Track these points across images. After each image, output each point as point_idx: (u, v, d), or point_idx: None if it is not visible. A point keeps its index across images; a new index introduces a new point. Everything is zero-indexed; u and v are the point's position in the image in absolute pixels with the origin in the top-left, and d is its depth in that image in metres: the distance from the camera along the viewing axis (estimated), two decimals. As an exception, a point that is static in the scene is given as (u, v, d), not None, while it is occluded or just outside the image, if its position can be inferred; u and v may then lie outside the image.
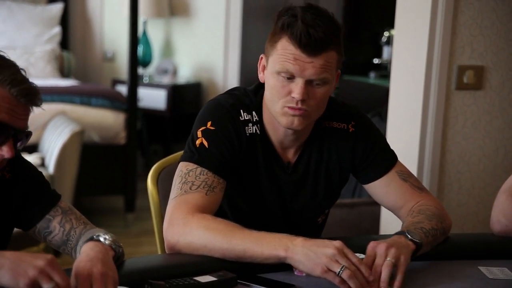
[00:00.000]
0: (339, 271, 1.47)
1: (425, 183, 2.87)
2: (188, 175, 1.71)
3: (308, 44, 1.66)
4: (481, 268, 1.69)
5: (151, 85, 5.73)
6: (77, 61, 5.97)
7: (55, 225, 1.62)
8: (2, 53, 1.51)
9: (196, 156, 1.73)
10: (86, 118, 4.57)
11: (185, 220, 1.63)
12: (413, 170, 2.71)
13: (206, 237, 1.60)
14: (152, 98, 5.66)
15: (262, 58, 1.79)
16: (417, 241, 1.63)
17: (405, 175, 1.87)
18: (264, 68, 1.78)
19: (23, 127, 1.51)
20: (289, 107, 1.71)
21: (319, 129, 1.85)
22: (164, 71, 5.91)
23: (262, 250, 1.56)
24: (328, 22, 1.68)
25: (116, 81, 5.82)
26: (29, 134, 1.54)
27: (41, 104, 1.52)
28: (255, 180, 1.82)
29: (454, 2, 2.80)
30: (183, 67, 5.99)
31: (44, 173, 1.72)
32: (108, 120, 4.67)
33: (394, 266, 1.53)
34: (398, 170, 1.87)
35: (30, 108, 1.52)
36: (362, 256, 1.56)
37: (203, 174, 1.71)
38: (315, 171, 1.86)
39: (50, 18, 5.69)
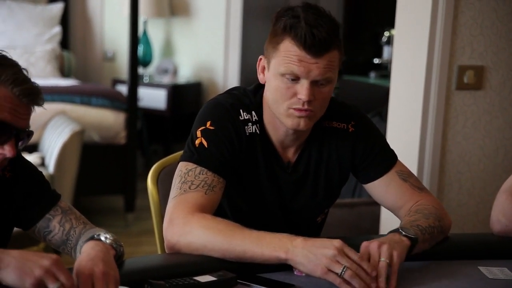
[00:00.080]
0: (341, 272, 1.47)
1: (425, 183, 2.87)
2: (188, 175, 1.71)
3: (313, 45, 1.65)
4: (481, 268, 1.69)
5: (151, 85, 5.73)
6: (77, 61, 5.97)
7: (55, 225, 1.63)
8: (4, 53, 1.52)
9: (196, 156, 1.73)
10: (86, 117, 4.57)
11: (185, 219, 1.63)
12: (413, 170, 2.70)
13: (206, 237, 1.60)
14: (152, 98, 5.66)
15: (261, 59, 1.78)
16: (412, 236, 1.63)
17: (405, 175, 1.87)
18: (263, 69, 1.77)
19: (25, 126, 1.51)
20: (294, 109, 1.70)
21: (319, 129, 1.84)
22: (164, 71, 5.90)
23: (262, 251, 1.55)
24: (329, 22, 1.68)
25: (116, 81, 5.82)
26: (30, 133, 1.54)
27: (43, 103, 1.53)
28: (255, 180, 1.82)
29: (455, 2, 2.80)
30: (183, 67, 5.99)
31: (44, 172, 1.72)
32: (108, 120, 4.67)
33: (389, 266, 1.53)
34: (398, 170, 1.87)
35: (32, 108, 1.52)
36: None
37: (202, 174, 1.71)
38: (315, 171, 1.86)
39: (50, 18, 5.69)
